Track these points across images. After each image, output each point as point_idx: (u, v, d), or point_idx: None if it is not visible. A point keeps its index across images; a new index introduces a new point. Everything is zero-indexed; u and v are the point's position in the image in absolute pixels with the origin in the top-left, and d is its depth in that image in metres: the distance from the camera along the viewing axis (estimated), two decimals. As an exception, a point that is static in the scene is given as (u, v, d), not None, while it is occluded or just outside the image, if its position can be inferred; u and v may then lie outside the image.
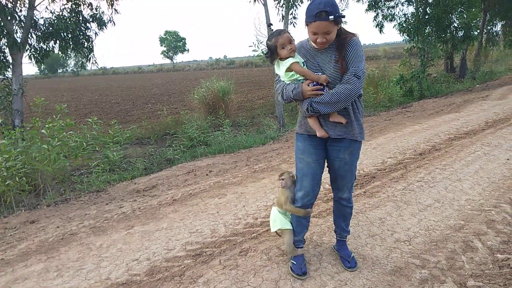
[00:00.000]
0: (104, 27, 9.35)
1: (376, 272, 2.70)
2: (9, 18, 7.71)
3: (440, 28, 12.77)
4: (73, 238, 3.61)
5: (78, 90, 30.68)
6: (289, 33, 2.47)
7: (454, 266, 2.74)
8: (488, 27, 17.79)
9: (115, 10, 9.42)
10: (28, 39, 8.34)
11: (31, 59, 8.73)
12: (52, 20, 8.59)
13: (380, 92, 11.70)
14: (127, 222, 3.88)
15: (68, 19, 8.64)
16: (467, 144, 5.69)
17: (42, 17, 9.57)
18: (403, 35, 12.78)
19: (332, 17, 2.20)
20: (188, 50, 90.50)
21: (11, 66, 8.14)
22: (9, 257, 3.33)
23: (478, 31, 15.80)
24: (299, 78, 2.45)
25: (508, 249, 2.92)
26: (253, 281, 2.66)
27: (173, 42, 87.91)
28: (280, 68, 2.47)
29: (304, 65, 2.46)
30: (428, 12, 12.27)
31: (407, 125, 7.47)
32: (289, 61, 2.42)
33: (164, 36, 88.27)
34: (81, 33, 9.03)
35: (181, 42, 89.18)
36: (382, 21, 13.75)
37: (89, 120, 6.81)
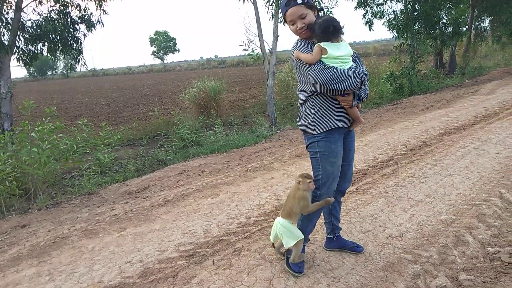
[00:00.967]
0: (92, 28, 9.29)
1: (369, 268, 2.71)
2: (-5, 20, 7.62)
3: (429, 25, 12.87)
4: (64, 242, 3.58)
5: (68, 92, 30.41)
6: None
7: (446, 261, 2.76)
8: (476, 23, 17.95)
9: (104, 11, 9.36)
10: (16, 42, 8.25)
11: (19, 62, 8.65)
12: (40, 22, 8.51)
13: (371, 89, 11.75)
14: (119, 224, 3.86)
15: (56, 21, 8.57)
16: (457, 139, 5.74)
17: (30, 19, 9.46)
18: (392, 32, 12.86)
19: (300, 0, 2.32)
20: (178, 50, 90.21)
21: (-1, 69, 8.05)
22: (0, 262, 3.29)
23: (467, 27, 15.95)
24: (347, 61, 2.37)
25: (498, 242, 2.95)
26: (247, 280, 2.66)
27: (163, 43, 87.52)
28: (343, 48, 2.36)
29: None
30: (417, 8, 12.36)
31: (398, 121, 7.52)
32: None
33: (154, 37, 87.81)
34: (70, 35, 8.96)
35: (172, 42, 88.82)
36: (372, 18, 13.84)
37: (79, 122, 6.76)
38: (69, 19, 8.87)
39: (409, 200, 3.81)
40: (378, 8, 13.69)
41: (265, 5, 9.20)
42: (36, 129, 5.56)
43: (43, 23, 8.38)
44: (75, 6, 8.94)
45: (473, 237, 3.06)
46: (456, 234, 3.11)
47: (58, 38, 8.74)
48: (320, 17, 2.39)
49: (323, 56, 2.31)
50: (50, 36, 8.56)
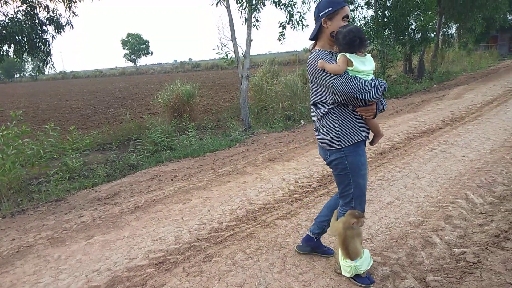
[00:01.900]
0: (61, 30, 9.04)
1: (339, 272, 2.73)
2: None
3: (398, 31, 13.23)
4: (29, 251, 3.45)
5: (36, 95, 29.43)
6: None
7: (414, 262, 2.82)
8: (444, 30, 18.58)
9: (73, 12, 9.15)
10: (-21, 43, 7.94)
11: (-18, 64, 8.31)
12: (5, 23, 8.21)
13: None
14: (87, 232, 3.75)
15: (23, 22, 8.29)
16: (425, 143, 5.91)
17: (-6, 20, 9.10)
18: (363, 37, 13.11)
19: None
20: (151, 53, 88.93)
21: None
22: (-43, 274, 3.13)
23: (435, 33, 16.48)
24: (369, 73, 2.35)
25: (464, 243, 3.04)
26: (218, 286, 2.63)
27: (136, 45, 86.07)
28: (368, 63, 2.33)
29: None
30: (387, 15, 12.69)
31: (369, 125, 7.65)
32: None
33: (126, 39, 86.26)
34: (37, 37, 8.70)
35: (144, 45, 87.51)
36: (343, 24, 14.06)
37: (46, 126, 6.54)
38: (36, 21, 8.61)
39: (378, 203, 3.88)
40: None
41: (238, 9, 9.21)
42: (0, 133, 5.34)
43: (9, 24, 8.09)
44: (43, 7, 8.69)
45: (440, 238, 3.14)
46: (423, 236, 3.18)
47: (25, 39, 8.46)
48: (346, 26, 2.32)
49: (348, 68, 2.27)
50: (17, 37, 8.28)
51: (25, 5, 8.47)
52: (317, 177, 4.87)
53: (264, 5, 9.33)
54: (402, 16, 12.39)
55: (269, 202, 4.15)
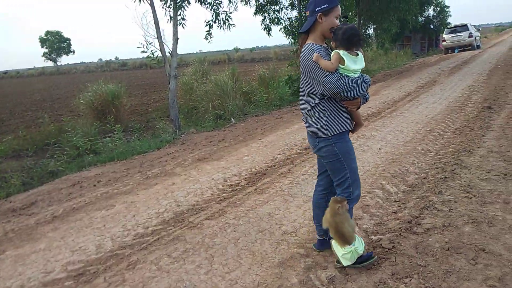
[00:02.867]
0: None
1: (264, 267, 2.80)
2: None
3: (322, 31, 13.79)
4: None
5: None
6: None
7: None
8: (363, 30, 19.75)
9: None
10: None
11: None
12: None
13: (271, 92, 12.23)
14: (-3, 248, 3.43)
15: None
16: (346, 137, 6.23)
17: None
18: (288, 38, 13.50)
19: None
20: (73, 52, 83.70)
21: None
22: None
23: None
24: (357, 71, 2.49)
25: (380, 230, 3.26)
26: (142, 293, 2.55)
27: (56, 43, 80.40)
28: (359, 62, 2.45)
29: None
30: (310, 16, 13.15)
31: (295, 122, 7.92)
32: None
33: (45, 37, 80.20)
34: None
35: (65, 43, 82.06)
36: (270, 24, 14.36)
37: None
38: None
39: (302, 197, 4.02)
40: (275, 15, 14.27)
41: (163, 7, 8.99)
42: None
43: None
44: None
45: (358, 227, 3.33)
46: (343, 226, 3.36)
47: None
48: (345, 24, 2.49)
49: (340, 66, 2.39)
50: None
51: None
52: (246, 175, 4.92)
53: (189, 3, 9.21)
54: (324, 17, 12.93)
55: (198, 203, 4.12)
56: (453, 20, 31.42)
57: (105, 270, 2.89)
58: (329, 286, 2.53)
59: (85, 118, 10.05)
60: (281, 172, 4.87)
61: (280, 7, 14.20)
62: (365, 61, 2.56)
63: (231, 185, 4.59)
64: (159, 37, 8.75)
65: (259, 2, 14.01)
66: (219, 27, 9.71)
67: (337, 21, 2.51)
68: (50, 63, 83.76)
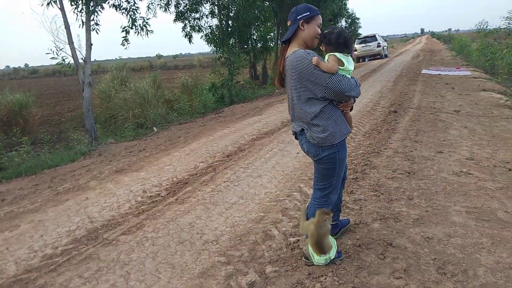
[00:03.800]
0: None
1: (184, 278, 2.73)
2: None
3: (242, 40, 14.06)
4: None
5: None
6: None
7: (256, 256, 2.99)
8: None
9: None
10: None
11: None
12: None
13: (195, 99, 12.13)
14: None
15: None
16: (266, 143, 6.38)
17: None
18: (210, 45, 13.53)
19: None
20: (-27, 58, 75.31)
21: None
22: None
23: (274, 42, 18.05)
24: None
25: (298, 232, 3.34)
26: (48, 320, 2.33)
27: (-49, 48, 71.73)
28: (350, 62, 2.53)
29: None
30: (231, 25, 13.34)
31: (218, 129, 7.92)
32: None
33: None
34: None
35: (-37, 48, 73.57)
36: (190, 31, 14.26)
37: None
38: None
39: (224, 204, 4.01)
40: (196, 22, 14.22)
41: (74, 11, 8.46)
42: None
43: None
44: None
45: (278, 230, 3.40)
46: (264, 230, 3.41)
47: None
48: (335, 28, 2.58)
49: (340, 67, 2.47)
50: None
51: None
52: (167, 185, 4.79)
53: (102, 8, 8.80)
54: (244, 26, 13.18)
55: (114, 218, 3.90)
56: (363, 31, 34.04)
57: (4, 299, 2.60)
58: (249, 291, 2.54)
59: (-14, 131, 9.07)
60: (203, 180, 4.82)
61: (200, 15, 14.19)
62: None
63: (150, 196, 4.43)
64: (70, 42, 8.22)
65: (179, 10, 13.86)
66: (137, 33, 9.40)
67: (318, 30, 2.58)
68: None
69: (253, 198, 4.14)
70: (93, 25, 8.66)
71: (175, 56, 74.72)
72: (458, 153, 5.06)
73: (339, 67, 2.48)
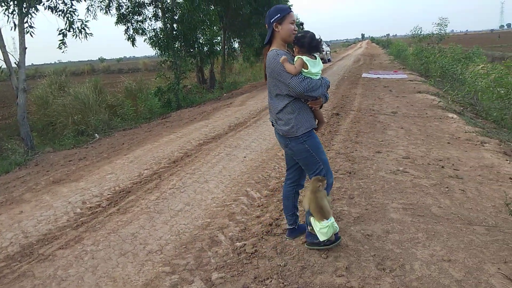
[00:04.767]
0: None
1: (127, 292, 2.63)
2: None
3: (188, 43, 13.87)
4: None
5: None
6: None
7: (202, 264, 2.95)
8: (228, 44, 20.52)
9: None
10: None
11: None
12: None
13: (140, 104, 11.80)
14: None
15: None
16: (213, 148, 6.34)
17: None
18: (155, 49, 13.21)
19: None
20: None
21: None
22: None
23: (221, 47, 18.02)
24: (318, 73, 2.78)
25: (245, 236, 3.36)
26: None
27: None
28: (318, 65, 2.75)
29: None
30: (175, 28, 13.11)
31: (164, 135, 7.75)
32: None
33: None
34: None
35: None
36: (134, 34, 13.86)
37: None
38: None
39: (169, 212, 3.93)
40: (139, 25, 13.84)
41: (4, 13, 7.91)
42: None
43: None
44: None
45: (224, 235, 3.38)
46: (210, 236, 3.38)
47: None
48: (307, 32, 2.77)
49: (304, 70, 2.67)
50: None
51: None
52: (108, 194, 4.59)
53: (37, 10, 8.31)
54: (189, 30, 12.99)
55: (50, 231, 3.67)
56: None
57: None
58: (194, 300, 2.50)
59: None
60: (148, 188, 4.68)
61: (143, 17, 13.84)
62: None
63: (90, 207, 4.22)
64: (2, 46, 7.67)
65: (121, 12, 13.43)
66: (75, 36, 8.98)
67: (293, 26, 2.77)
68: None
69: (200, 204, 4.09)
70: (27, 27, 8.16)
71: (119, 60, 72.32)
72: (395, 153, 5.35)
73: (303, 69, 2.70)
